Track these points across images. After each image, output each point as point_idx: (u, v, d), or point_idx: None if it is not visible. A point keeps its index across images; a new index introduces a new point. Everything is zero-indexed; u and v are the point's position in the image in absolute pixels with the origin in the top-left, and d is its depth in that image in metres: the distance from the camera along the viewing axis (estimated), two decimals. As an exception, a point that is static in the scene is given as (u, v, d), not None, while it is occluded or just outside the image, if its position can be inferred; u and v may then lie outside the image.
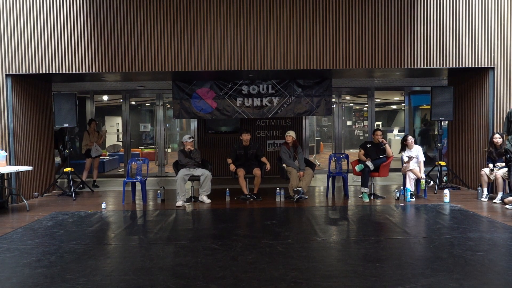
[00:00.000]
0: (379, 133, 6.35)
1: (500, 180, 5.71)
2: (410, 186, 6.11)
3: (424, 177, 6.16)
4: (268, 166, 6.27)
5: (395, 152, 6.89)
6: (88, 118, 8.97)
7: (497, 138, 5.90)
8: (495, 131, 6.28)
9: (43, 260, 3.54)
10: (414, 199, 6.02)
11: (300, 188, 5.97)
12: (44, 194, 6.89)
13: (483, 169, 6.01)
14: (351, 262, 3.44)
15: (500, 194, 5.73)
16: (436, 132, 7.16)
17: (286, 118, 9.00)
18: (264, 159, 6.37)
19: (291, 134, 6.42)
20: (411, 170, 6.14)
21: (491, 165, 5.97)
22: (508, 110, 6.18)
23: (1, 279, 3.12)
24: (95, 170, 7.84)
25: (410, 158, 6.16)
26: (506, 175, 5.70)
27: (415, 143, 6.50)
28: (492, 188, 6.07)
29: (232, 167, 6.24)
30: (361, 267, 3.28)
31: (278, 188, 6.22)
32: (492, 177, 5.89)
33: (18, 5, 6.07)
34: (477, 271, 3.16)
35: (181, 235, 4.39)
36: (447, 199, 5.87)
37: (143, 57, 6.13)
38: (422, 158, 6.27)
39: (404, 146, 6.41)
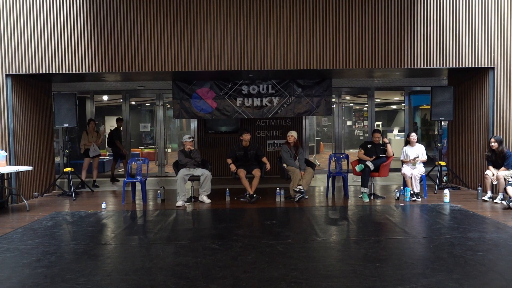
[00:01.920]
0: (377, 135, 6.33)
1: (502, 181, 5.71)
2: (414, 186, 6.11)
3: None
4: (268, 166, 6.26)
5: (399, 147, 6.91)
6: (88, 118, 8.96)
7: (492, 143, 5.92)
8: (494, 134, 6.29)
9: (43, 260, 3.54)
10: (414, 199, 6.02)
11: (300, 187, 5.97)
12: (44, 194, 6.89)
13: (487, 173, 5.99)
14: (351, 262, 3.44)
15: (500, 195, 5.73)
16: (436, 132, 7.17)
17: (286, 118, 8.99)
18: (264, 159, 6.36)
19: (293, 134, 6.40)
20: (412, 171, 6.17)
21: (491, 168, 5.98)
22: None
23: (1, 279, 3.12)
24: (95, 170, 7.85)
25: (416, 157, 6.20)
26: (508, 176, 5.71)
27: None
28: (493, 188, 6.06)
29: (233, 167, 6.23)
30: (361, 267, 3.28)
31: (278, 188, 6.22)
32: (494, 178, 5.88)
33: (18, 5, 6.07)
34: (477, 271, 3.16)
35: (181, 235, 4.39)
36: (447, 199, 5.87)
37: (143, 57, 6.13)
38: (424, 157, 6.29)
39: (407, 141, 6.50)
